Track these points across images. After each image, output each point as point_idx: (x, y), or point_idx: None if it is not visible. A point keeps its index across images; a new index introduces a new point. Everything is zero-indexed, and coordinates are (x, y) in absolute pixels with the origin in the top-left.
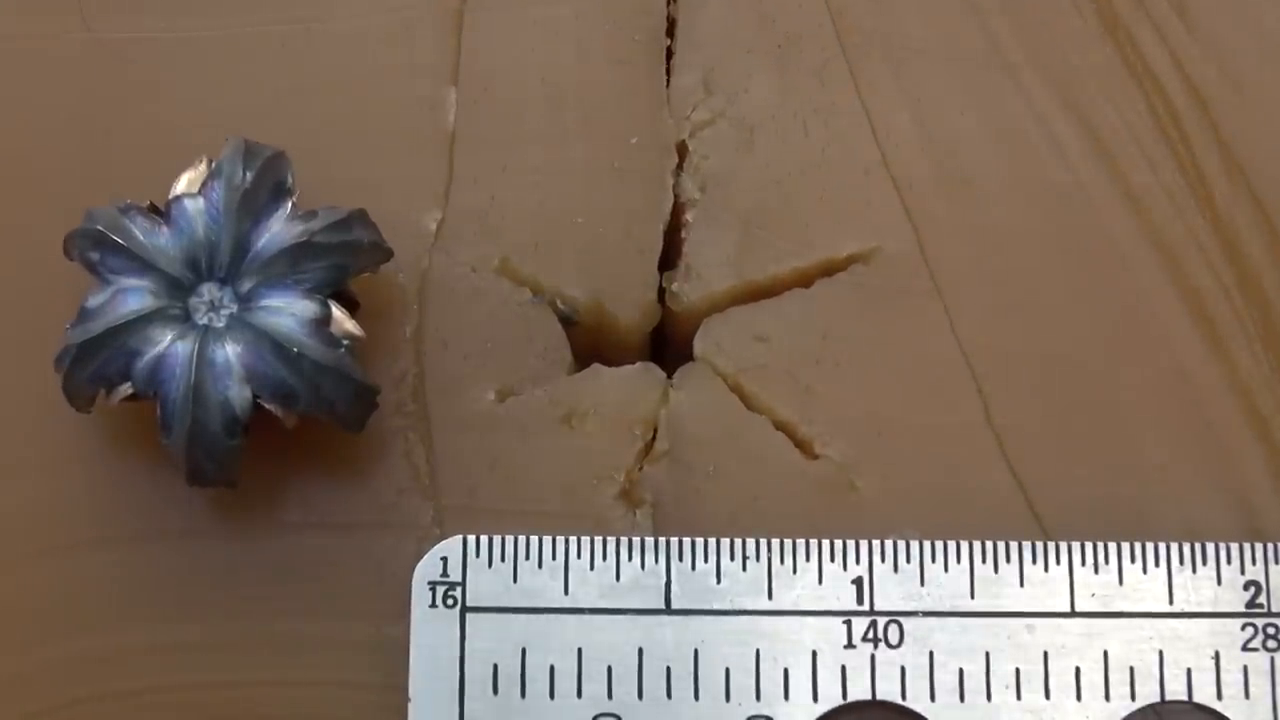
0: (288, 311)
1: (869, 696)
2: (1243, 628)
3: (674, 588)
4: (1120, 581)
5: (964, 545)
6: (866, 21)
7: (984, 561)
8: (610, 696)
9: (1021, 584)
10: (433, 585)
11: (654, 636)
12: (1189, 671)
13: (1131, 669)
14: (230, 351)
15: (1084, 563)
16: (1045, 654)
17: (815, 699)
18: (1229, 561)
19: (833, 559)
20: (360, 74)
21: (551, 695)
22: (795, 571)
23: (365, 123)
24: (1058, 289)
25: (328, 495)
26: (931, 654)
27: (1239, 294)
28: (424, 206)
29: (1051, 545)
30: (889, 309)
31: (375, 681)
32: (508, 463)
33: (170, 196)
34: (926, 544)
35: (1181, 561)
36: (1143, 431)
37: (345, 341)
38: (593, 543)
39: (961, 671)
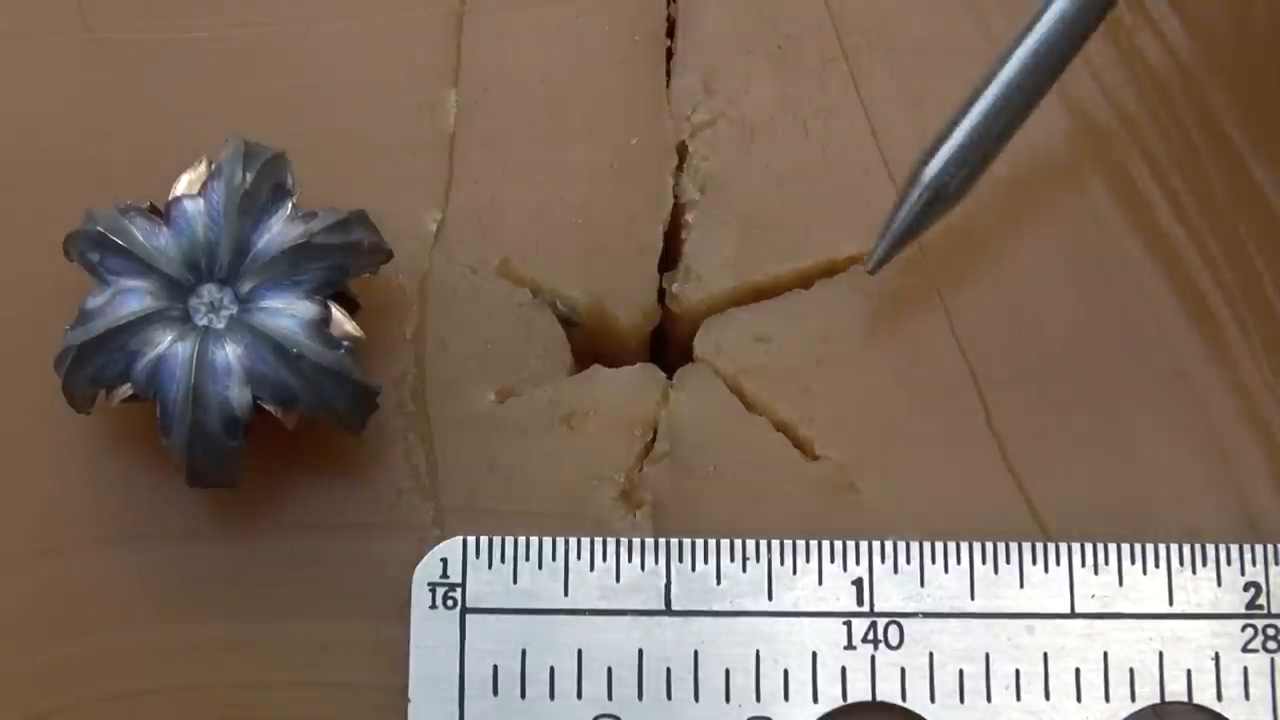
0: (288, 312)
1: (869, 698)
2: (1243, 629)
3: (674, 589)
4: (1120, 582)
5: (964, 546)
6: (866, 21)
7: (984, 562)
8: (610, 697)
9: (1021, 585)
10: (433, 586)
11: (654, 637)
12: (1189, 672)
13: (1131, 670)
14: (230, 353)
15: (1084, 564)
16: (1045, 655)
17: (815, 700)
18: (1229, 563)
19: (833, 560)
20: (360, 74)
21: (551, 696)
22: (795, 572)
23: (365, 123)
24: (1058, 289)
25: (328, 495)
26: (931, 655)
27: (1239, 294)
28: (424, 207)
29: (1051, 546)
30: (889, 309)
31: (375, 681)
32: (508, 463)
33: (170, 197)
34: (926, 545)
35: (1181, 563)
36: (1143, 431)
37: (345, 342)
38: (592, 544)
39: (961, 673)
